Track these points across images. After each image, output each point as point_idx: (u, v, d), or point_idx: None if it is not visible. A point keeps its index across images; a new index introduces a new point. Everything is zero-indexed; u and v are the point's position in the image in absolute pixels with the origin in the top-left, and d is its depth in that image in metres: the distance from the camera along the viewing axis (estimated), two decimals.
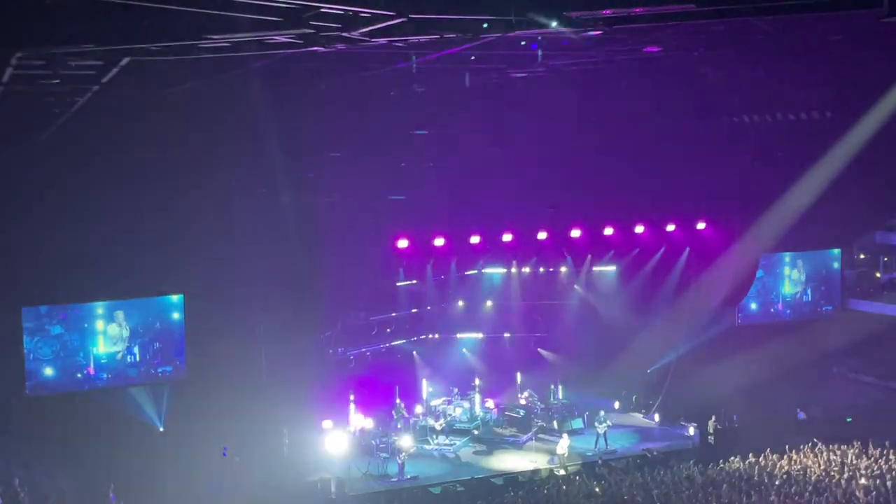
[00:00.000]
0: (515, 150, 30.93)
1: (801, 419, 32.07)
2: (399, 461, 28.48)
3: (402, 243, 31.40)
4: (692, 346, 34.36)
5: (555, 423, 32.20)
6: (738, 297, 35.02)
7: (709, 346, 34.04)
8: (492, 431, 32.71)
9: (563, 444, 29.45)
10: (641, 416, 34.14)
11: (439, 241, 32.26)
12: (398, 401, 32.39)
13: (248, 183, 29.11)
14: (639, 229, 34.14)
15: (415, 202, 31.52)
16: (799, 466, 26.65)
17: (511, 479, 28.04)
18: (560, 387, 34.68)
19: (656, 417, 33.57)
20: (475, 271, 36.39)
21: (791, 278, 36.96)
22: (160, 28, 11.70)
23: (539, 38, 17.90)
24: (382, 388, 33.12)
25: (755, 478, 25.80)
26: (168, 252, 27.56)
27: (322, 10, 11.13)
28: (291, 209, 28.91)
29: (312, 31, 11.76)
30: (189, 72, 18.03)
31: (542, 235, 33.66)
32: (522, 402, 34.14)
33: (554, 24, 15.09)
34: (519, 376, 35.29)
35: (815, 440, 28.58)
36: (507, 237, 33.12)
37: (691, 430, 31.50)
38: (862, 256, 37.87)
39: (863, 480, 24.67)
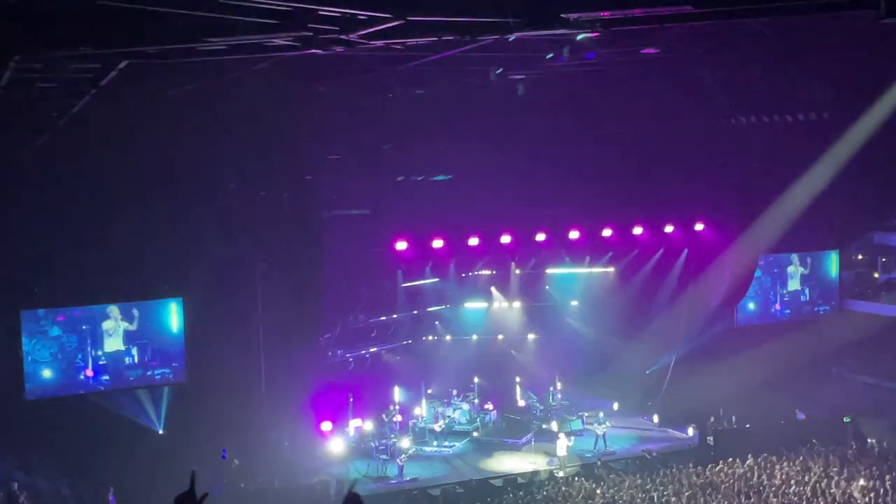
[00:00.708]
0: (514, 151, 30.93)
1: (800, 420, 32.08)
2: (398, 463, 28.49)
3: (401, 245, 31.40)
4: (691, 346, 34.38)
5: (554, 424, 32.21)
6: (736, 297, 35.03)
7: (707, 347, 34.06)
8: (491, 433, 32.76)
9: (563, 446, 29.46)
10: (643, 419, 34.15)
11: (438, 243, 32.26)
12: (391, 407, 32.35)
13: (246, 185, 29.10)
14: (637, 230, 34.14)
15: (413, 204, 31.51)
16: (798, 467, 26.67)
17: (510, 480, 28.07)
18: (559, 388, 34.68)
19: (655, 418, 33.58)
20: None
21: (789, 279, 36.96)
22: (158, 31, 11.71)
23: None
24: (381, 390, 33.14)
25: (754, 479, 25.82)
26: (167, 255, 27.55)
27: (320, 12, 11.14)
28: (290, 212, 28.90)
29: (310, 33, 11.77)
30: (187, 75, 18.03)
31: (540, 237, 33.65)
32: (521, 403, 34.16)
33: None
34: (518, 378, 35.33)
35: (816, 442, 28.59)
36: (505, 239, 33.11)
37: (690, 432, 31.50)
38: (860, 257, 37.88)
39: (861, 481, 24.69)
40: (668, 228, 34.32)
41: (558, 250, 35.18)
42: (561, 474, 28.38)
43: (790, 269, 36.82)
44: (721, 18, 14.91)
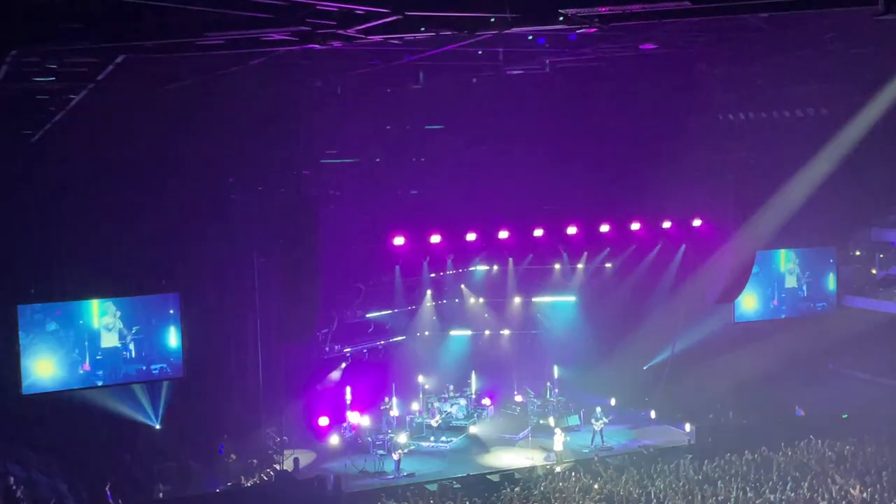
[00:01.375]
0: (512, 147, 30.91)
1: (799, 416, 32.11)
2: (395, 458, 28.51)
3: (399, 240, 31.39)
4: (688, 342, 34.41)
5: (551, 419, 32.25)
6: (733, 293, 34.98)
7: (705, 343, 34.11)
8: (488, 428, 32.77)
9: (559, 441, 29.49)
10: (640, 415, 34.17)
11: (435, 239, 32.26)
12: (387, 399, 32.39)
13: (244, 180, 29.08)
14: (635, 226, 34.15)
15: (411, 200, 31.51)
16: (795, 463, 26.70)
17: (507, 475, 28.06)
18: (556, 383, 34.71)
19: (653, 414, 33.60)
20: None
21: (787, 275, 36.96)
22: (156, 25, 11.69)
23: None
24: (378, 385, 33.16)
25: (751, 474, 25.85)
26: (164, 250, 27.55)
27: (317, 7, 11.12)
28: (287, 207, 28.86)
29: (308, 28, 11.75)
30: (185, 69, 18.01)
31: (538, 232, 33.66)
32: (519, 398, 34.19)
33: None
34: (515, 373, 35.36)
35: (811, 437, 28.61)
36: (503, 234, 33.12)
37: (687, 427, 31.53)
38: (857, 253, 37.90)
39: (858, 478, 24.73)
40: (666, 224, 34.37)
41: (556, 246, 35.18)
42: (558, 469, 28.40)
43: (787, 266, 36.81)
44: (719, 14, 14.90)
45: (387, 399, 32.35)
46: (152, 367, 29.37)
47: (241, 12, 11.28)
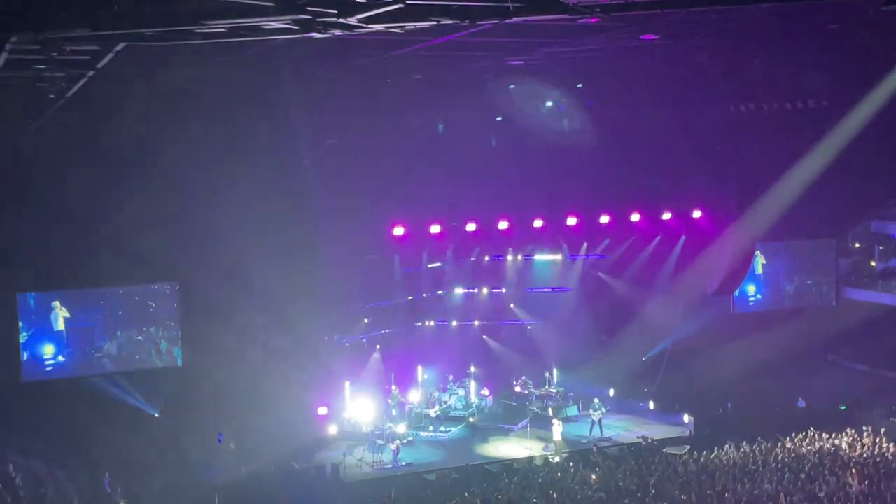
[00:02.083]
0: (511, 138, 30.91)
1: (801, 407, 32.15)
2: (394, 448, 28.54)
3: (398, 230, 31.39)
4: (687, 333, 34.43)
5: (550, 410, 32.28)
6: (733, 285, 35.08)
7: (704, 334, 34.13)
8: (487, 419, 32.81)
9: (558, 432, 29.52)
10: (639, 405, 34.19)
11: (435, 229, 32.25)
12: (394, 388, 32.45)
13: (244, 169, 29.04)
14: (635, 217, 34.16)
15: (411, 190, 31.49)
16: (793, 454, 26.74)
17: (506, 465, 28.11)
18: (555, 374, 34.73)
19: (651, 405, 33.64)
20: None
21: (786, 267, 36.99)
22: (156, 13, 11.66)
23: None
24: (378, 375, 33.18)
25: (749, 465, 25.88)
26: (164, 239, 27.53)
27: None
28: (287, 196, 28.86)
29: (309, 16, 11.72)
30: (185, 58, 17.98)
31: (538, 223, 33.66)
32: (517, 389, 34.21)
33: None
34: (514, 364, 35.37)
35: (811, 428, 28.65)
36: (503, 224, 33.11)
37: (686, 418, 31.56)
38: (857, 245, 37.92)
39: (855, 469, 24.76)
40: (666, 215, 34.38)
41: (555, 236, 35.18)
42: (556, 460, 28.44)
43: (787, 257, 36.85)
44: (721, 4, 14.90)
45: (393, 388, 32.38)
46: (151, 355, 29.46)
47: (242, 0, 11.25)
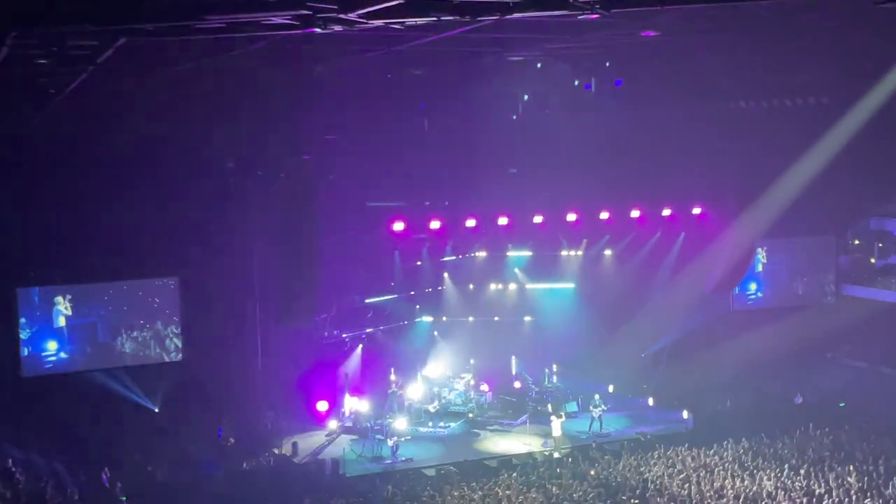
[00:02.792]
0: (511, 133, 30.92)
1: (797, 403, 32.18)
2: (393, 443, 28.57)
3: (398, 226, 31.41)
4: (687, 330, 34.45)
5: (549, 406, 32.29)
6: (732, 281, 35.10)
7: (703, 331, 34.16)
8: (486, 414, 32.83)
9: (557, 427, 29.55)
10: (638, 401, 34.23)
11: (435, 225, 32.27)
12: (393, 384, 32.46)
13: (244, 165, 29.07)
14: (634, 213, 34.18)
15: (411, 185, 31.52)
16: (793, 451, 26.76)
17: (505, 461, 28.15)
18: (554, 370, 34.76)
19: (650, 401, 33.66)
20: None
21: (785, 263, 37.00)
22: (156, 8, 11.67)
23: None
24: (377, 370, 33.21)
25: (748, 462, 25.92)
26: (164, 233, 27.56)
27: None
28: (287, 191, 28.88)
29: (309, 12, 11.73)
30: (185, 53, 17.98)
31: (538, 219, 33.68)
32: (517, 385, 34.23)
33: None
34: (514, 359, 35.40)
35: (811, 426, 28.66)
36: (502, 221, 33.13)
37: (685, 414, 31.59)
38: (856, 242, 37.91)
39: (854, 466, 24.81)
40: (666, 212, 34.40)
41: (555, 233, 35.20)
42: (556, 455, 28.48)
43: (786, 254, 36.85)
44: (721, 1, 14.90)
45: (393, 381, 32.40)
46: (152, 350, 29.46)
47: None
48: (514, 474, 26.39)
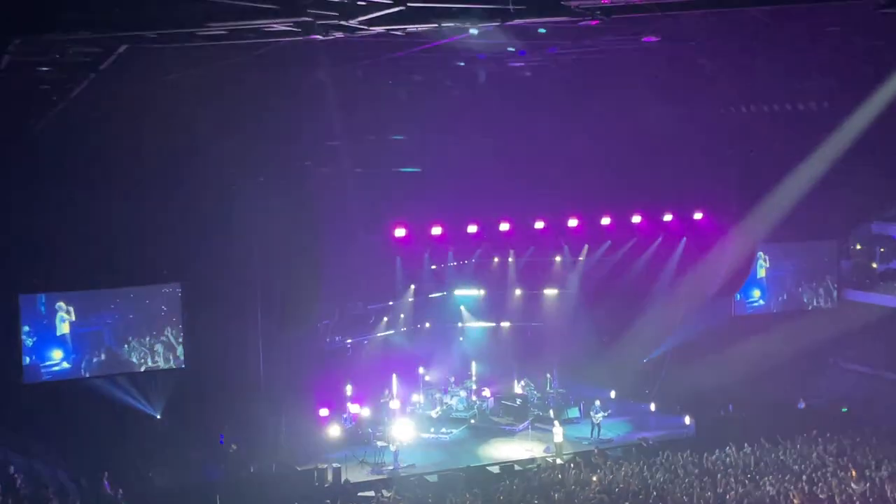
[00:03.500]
0: (513, 139, 30.90)
1: (800, 408, 32.16)
2: (395, 449, 28.55)
3: (400, 232, 31.43)
4: (688, 335, 34.42)
5: (551, 411, 32.29)
6: (734, 286, 35.06)
7: (705, 336, 34.11)
8: (488, 420, 32.82)
9: (559, 433, 29.53)
10: (640, 407, 34.21)
11: (437, 230, 32.28)
12: (386, 391, 32.39)
13: (245, 171, 29.07)
14: (636, 219, 34.17)
15: (412, 191, 31.51)
16: (795, 456, 26.74)
17: (507, 467, 28.13)
18: (556, 376, 34.74)
19: (652, 406, 33.64)
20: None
21: (787, 268, 36.98)
22: (158, 15, 11.70)
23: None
24: (379, 376, 33.19)
25: (751, 467, 25.89)
26: (165, 240, 27.56)
27: None
28: (289, 197, 28.89)
29: (310, 19, 11.77)
30: (187, 60, 18.01)
31: (539, 225, 33.69)
32: (519, 390, 34.22)
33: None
34: (515, 365, 35.37)
35: (813, 430, 28.63)
36: (504, 226, 33.14)
37: (687, 420, 31.57)
38: (858, 247, 37.87)
39: (857, 471, 24.79)
40: (667, 217, 34.36)
41: (557, 238, 35.19)
42: (558, 461, 28.45)
43: (788, 259, 36.84)
44: (722, 6, 14.92)
45: (386, 392, 32.37)
46: (153, 357, 29.44)
47: (244, 2, 11.30)
48: (517, 480, 26.37)
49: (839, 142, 29.27)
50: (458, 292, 36.78)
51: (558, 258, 36.51)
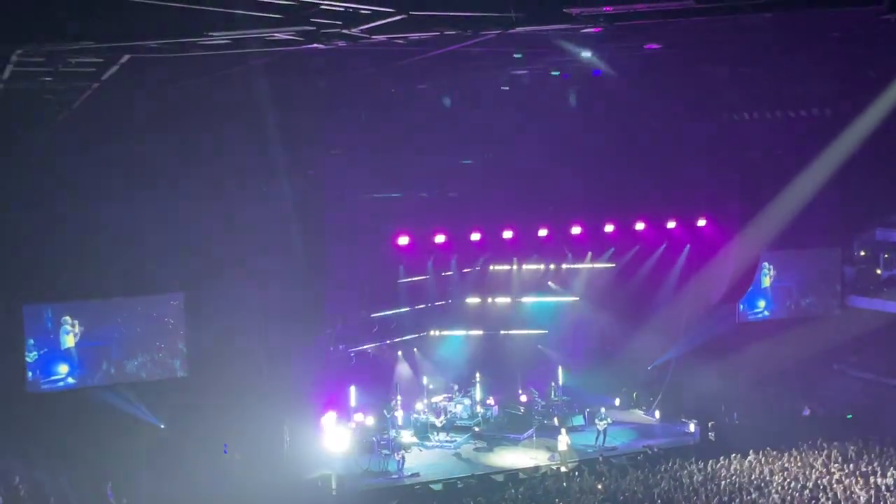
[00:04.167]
0: (517, 147, 30.92)
1: (805, 415, 32.09)
2: (399, 458, 28.51)
3: (403, 240, 31.42)
4: (693, 342, 34.38)
5: (555, 419, 32.25)
6: (738, 293, 35.02)
7: (709, 343, 34.07)
8: (492, 428, 32.78)
9: (564, 441, 29.49)
10: (642, 412, 34.19)
11: (440, 238, 32.27)
12: (392, 402, 32.35)
13: (248, 181, 29.09)
14: (639, 226, 34.15)
15: (415, 199, 31.53)
16: (800, 463, 26.68)
17: (511, 475, 28.08)
18: (560, 383, 34.70)
19: (657, 414, 33.59)
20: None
21: (791, 275, 36.93)
22: (160, 25, 11.71)
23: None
24: (383, 385, 33.16)
25: (756, 475, 25.83)
26: (169, 249, 27.54)
27: (322, 7, 11.14)
28: (292, 206, 28.90)
29: (313, 28, 11.77)
30: (190, 69, 18.03)
31: (542, 232, 33.67)
32: (523, 398, 34.18)
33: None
34: (519, 373, 35.33)
35: (818, 438, 28.57)
36: (507, 234, 33.13)
37: (692, 427, 31.51)
38: (862, 253, 37.85)
39: (862, 479, 24.72)
40: (671, 224, 34.35)
41: (560, 246, 35.17)
42: (562, 469, 28.40)
43: (792, 265, 36.79)
44: (724, 14, 14.89)
45: (393, 402, 32.32)
46: (157, 366, 29.43)
47: (246, 11, 11.31)
48: (521, 489, 26.32)
49: (842, 148, 29.25)
50: (460, 301, 36.70)
51: (563, 266, 36.46)
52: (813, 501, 23.34)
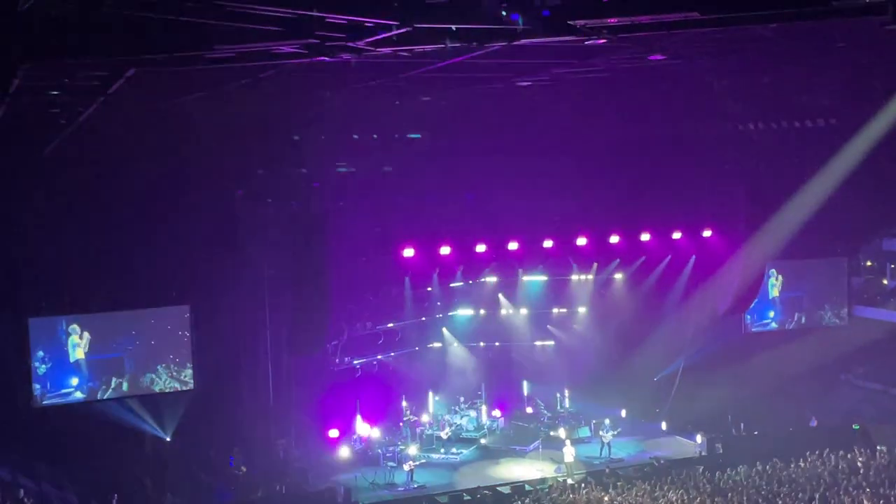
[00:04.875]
0: (521, 158, 30.92)
1: (812, 426, 32.00)
2: (406, 470, 28.48)
3: (408, 252, 31.42)
4: (699, 353, 34.31)
5: (561, 431, 32.17)
6: (744, 304, 34.91)
7: (716, 354, 34.01)
8: (498, 440, 32.71)
9: (570, 453, 29.42)
10: (651, 426, 34.09)
11: (445, 250, 32.26)
12: (406, 410, 32.35)
13: (253, 193, 29.14)
14: (645, 237, 34.12)
15: (420, 211, 31.52)
16: (807, 474, 26.58)
17: (518, 487, 28.01)
18: (567, 395, 34.63)
19: (663, 425, 33.51)
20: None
21: (797, 285, 36.85)
22: (166, 39, 11.74)
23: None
24: (389, 397, 33.14)
25: (763, 486, 25.74)
26: (175, 262, 27.59)
27: (327, 20, 11.17)
28: (297, 219, 28.93)
29: (317, 41, 11.79)
30: (195, 82, 18.07)
31: (548, 244, 33.65)
32: (529, 410, 34.13)
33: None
34: (525, 385, 35.28)
35: (825, 448, 28.46)
36: (513, 245, 33.11)
37: (699, 439, 31.42)
38: (868, 264, 37.79)
39: (869, 489, 24.61)
40: (676, 235, 34.31)
41: (566, 257, 35.15)
42: (569, 481, 28.32)
43: (798, 276, 36.71)
44: (728, 24, 14.89)
45: (409, 415, 32.30)
46: (162, 378, 29.41)
47: (251, 25, 11.33)
48: (528, 501, 26.26)
49: (848, 158, 29.21)
50: (462, 312, 36.69)
51: (571, 276, 36.43)
52: None
